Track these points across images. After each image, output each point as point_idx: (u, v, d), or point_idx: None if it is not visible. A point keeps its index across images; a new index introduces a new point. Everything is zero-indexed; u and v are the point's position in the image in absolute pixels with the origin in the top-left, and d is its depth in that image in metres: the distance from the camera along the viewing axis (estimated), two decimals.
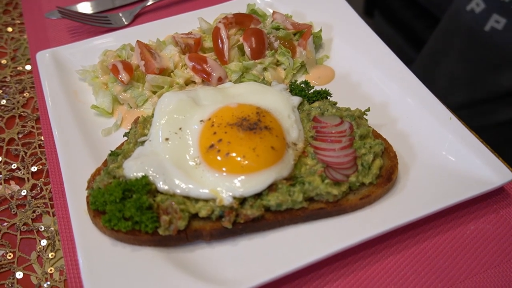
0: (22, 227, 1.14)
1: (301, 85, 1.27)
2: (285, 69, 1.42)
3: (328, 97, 1.26)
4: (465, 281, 1.01)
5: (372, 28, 1.50)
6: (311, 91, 1.26)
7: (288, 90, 1.27)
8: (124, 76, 1.33)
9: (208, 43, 1.46)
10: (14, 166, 1.27)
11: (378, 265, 1.04)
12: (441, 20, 2.14)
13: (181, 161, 1.08)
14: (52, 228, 1.14)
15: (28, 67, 1.56)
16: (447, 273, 1.02)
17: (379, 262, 1.04)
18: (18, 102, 1.44)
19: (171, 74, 1.39)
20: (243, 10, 1.59)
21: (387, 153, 1.15)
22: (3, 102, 1.44)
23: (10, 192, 1.21)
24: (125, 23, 1.67)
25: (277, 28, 1.48)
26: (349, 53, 1.48)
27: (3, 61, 1.58)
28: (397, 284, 1.01)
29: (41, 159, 1.29)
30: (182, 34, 1.46)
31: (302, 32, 1.49)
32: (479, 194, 1.08)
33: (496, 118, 1.93)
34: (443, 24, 2.11)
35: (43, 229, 1.14)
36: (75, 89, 1.39)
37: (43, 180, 1.24)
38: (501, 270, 1.03)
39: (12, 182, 1.24)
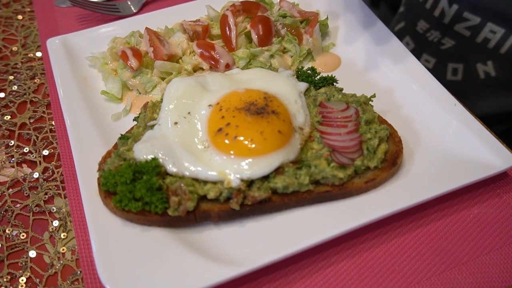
0: (35, 209, 1.17)
1: (308, 71, 1.29)
2: (291, 56, 1.44)
3: (334, 83, 1.28)
4: (468, 263, 1.03)
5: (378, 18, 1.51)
6: (318, 77, 1.28)
7: (295, 76, 1.29)
8: (133, 62, 1.35)
9: (216, 30, 1.48)
10: (26, 149, 1.30)
11: (383, 247, 1.06)
12: None
13: (190, 144, 1.10)
14: (64, 210, 1.17)
15: (38, 54, 1.58)
16: (450, 255, 1.04)
17: (384, 244, 1.06)
18: (29, 88, 1.47)
19: (180, 60, 1.41)
20: None
21: (392, 138, 1.16)
22: (15, 87, 1.47)
23: (22, 174, 1.24)
24: (134, 11, 1.69)
25: (284, 16, 1.49)
26: (355, 41, 1.49)
27: (14, 48, 1.61)
28: (401, 265, 1.03)
29: (52, 143, 1.31)
30: (190, 21, 1.48)
31: (308, 20, 1.51)
32: (483, 179, 1.10)
33: None
34: None
35: (55, 210, 1.17)
36: (85, 75, 1.41)
37: (54, 163, 1.27)
38: (503, 253, 1.04)
39: (24, 165, 1.27)
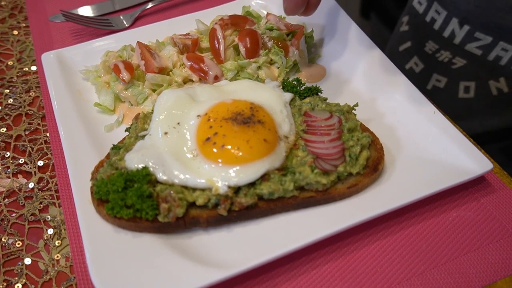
0: (30, 217, 1.21)
1: (293, 82, 1.34)
2: (278, 68, 1.48)
3: (319, 94, 1.33)
4: (447, 264, 1.07)
5: (369, 29, 1.57)
6: (302, 87, 1.33)
7: (281, 87, 1.34)
8: (125, 75, 1.40)
9: (205, 44, 1.53)
10: (21, 160, 1.34)
11: (366, 250, 1.10)
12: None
13: (180, 153, 1.14)
14: (58, 218, 1.20)
15: (33, 68, 1.63)
16: (430, 256, 1.08)
17: (366, 247, 1.10)
18: (24, 101, 1.51)
19: (170, 73, 1.46)
20: (239, 12, 1.66)
21: (374, 145, 1.21)
22: (10, 101, 1.51)
23: (18, 185, 1.28)
24: (126, 25, 1.74)
25: (271, 29, 1.54)
26: (340, 53, 1.54)
27: (10, 62, 1.65)
28: (383, 266, 1.07)
29: (47, 154, 1.35)
30: (180, 35, 1.53)
31: (294, 32, 1.56)
32: (461, 183, 1.14)
33: None
34: None
35: (49, 219, 1.20)
36: (78, 88, 1.46)
37: (49, 173, 1.31)
38: (481, 253, 1.09)
39: (20, 175, 1.31)
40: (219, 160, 1.11)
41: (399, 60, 1.95)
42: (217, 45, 1.48)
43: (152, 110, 1.26)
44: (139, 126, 1.24)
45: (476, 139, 1.29)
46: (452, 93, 1.81)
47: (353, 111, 1.28)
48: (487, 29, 1.62)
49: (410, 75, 1.73)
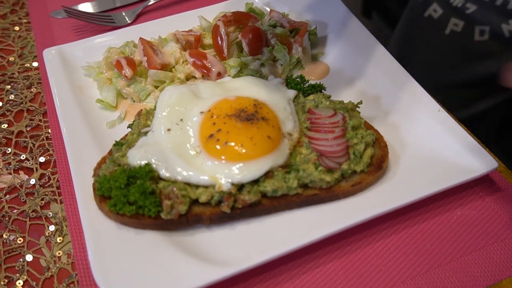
0: (31, 214, 1.20)
1: (297, 79, 1.33)
2: (281, 65, 1.48)
3: (323, 91, 1.32)
4: (451, 263, 1.07)
5: (370, 28, 1.55)
6: (306, 85, 1.32)
7: (284, 84, 1.33)
8: (127, 71, 1.39)
9: (208, 40, 1.52)
10: (23, 157, 1.33)
11: (369, 248, 1.09)
12: (400, 21, 2.25)
13: (182, 150, 1.13)
14: (60, 215, 1.20)
15: (35, 64, 1.62)
16: (434, 255, 1.08)
17: (370, 245, 1.10)
18: (26, 97, 1.50)
19: (173, 69, 1.45)
20: (242, 8, 1.65)
21: (378, 143, 1.20)
22: (12, 97, 1.50)
23: (19, 181, 1.27)
24: (128, 21, 1.73)
25: (274, 26, 1.53)
26: (343, 50, 1.54)
27: (11, 58, 1.64)
28: (387, 265, 1.06)
29: (48, 150, 1.35)
30: (183, 31, 1.52)
31: (298, 29, 1.55)
32: (465, 181, 1.13)
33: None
34: (404, 26, 2.21)
35: (51, 215, 1.20)
36: (80, 85, 1.45)
37: (50, 170, 1.30)
38: (485, 252, 1.08)
39: (21, 172, 1.30)
40: (223, 157, 1.10)
41: (419, 11, 2.03)
42: (220, 42, 1.47)
43: (155, 107, 1.25)
44: (142, 123, 1.23)
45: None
46: (468, 36, 1.86)
47: (357, 108, 1.27)
48: None
49: (429, 22, 1.82)
